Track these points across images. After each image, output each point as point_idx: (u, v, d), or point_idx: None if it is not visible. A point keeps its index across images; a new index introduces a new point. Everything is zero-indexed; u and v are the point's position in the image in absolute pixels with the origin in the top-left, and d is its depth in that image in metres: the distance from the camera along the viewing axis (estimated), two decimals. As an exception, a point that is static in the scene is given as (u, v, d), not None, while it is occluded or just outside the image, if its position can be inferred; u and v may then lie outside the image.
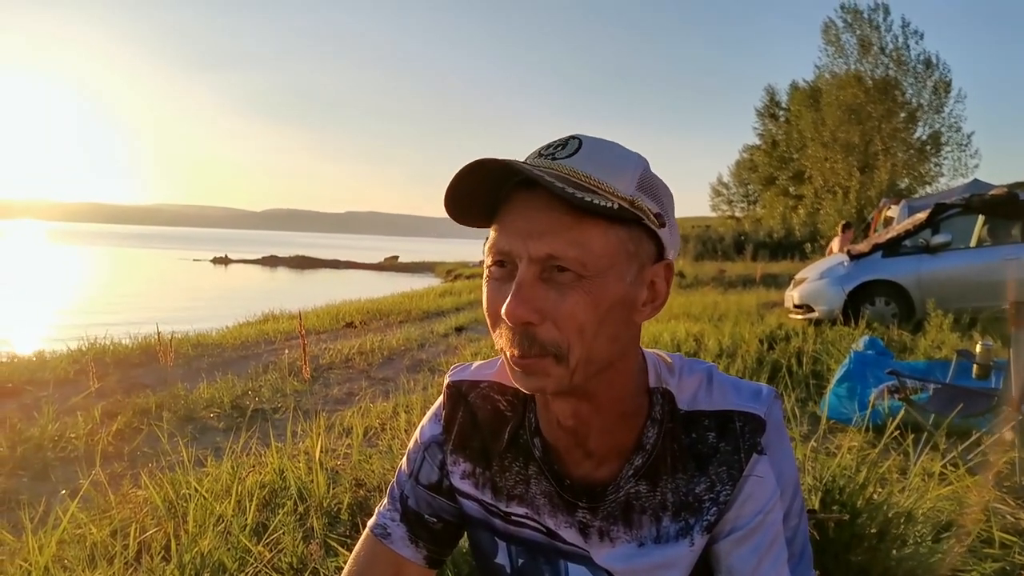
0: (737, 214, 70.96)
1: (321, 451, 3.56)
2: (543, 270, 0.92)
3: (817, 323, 10.02)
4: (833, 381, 5.83)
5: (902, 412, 4.51)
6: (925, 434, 4.40)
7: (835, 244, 14.68)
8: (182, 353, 8.09)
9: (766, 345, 7.96)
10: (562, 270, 0.91)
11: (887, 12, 45.14)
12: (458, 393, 1.20)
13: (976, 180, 18.60)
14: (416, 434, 1.23)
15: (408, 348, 9.40)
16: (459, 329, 11.66)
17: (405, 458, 1.23)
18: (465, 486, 1.17)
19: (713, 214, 76.57)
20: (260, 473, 3.29)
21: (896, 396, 4.79)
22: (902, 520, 2.88)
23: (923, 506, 3.41)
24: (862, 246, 10.97)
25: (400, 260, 54.48)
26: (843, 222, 16.19)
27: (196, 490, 2.96)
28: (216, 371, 7.07)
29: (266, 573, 2.38)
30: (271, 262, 52.84)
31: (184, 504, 2.91)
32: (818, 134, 47.79)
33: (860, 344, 6.91)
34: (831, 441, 4.20)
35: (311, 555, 2.42)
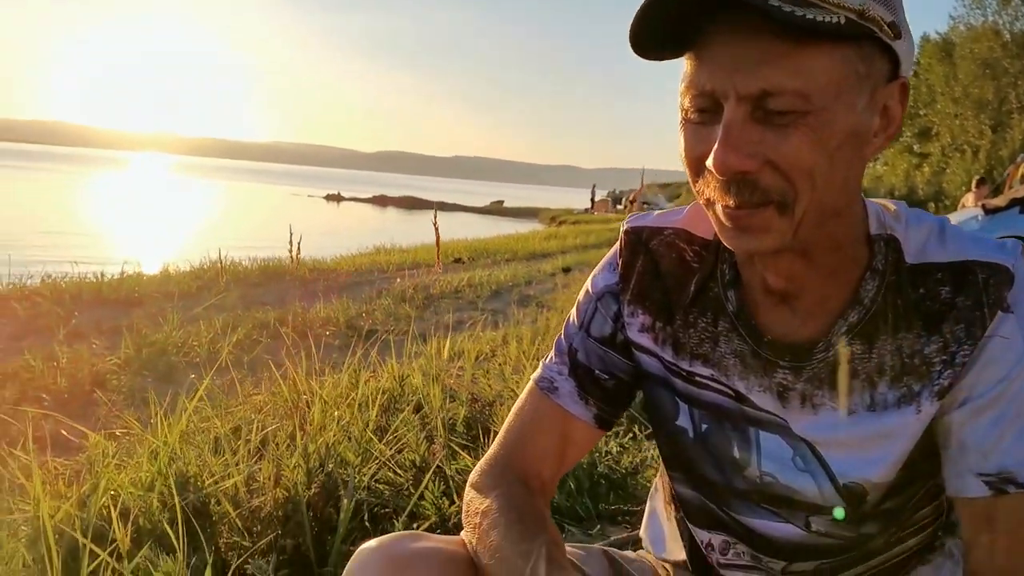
0: (856, 171, 68.55)
1: (436, 369, 3.53)
2: (755, 108, 0.76)
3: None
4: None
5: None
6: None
7: (969, 199, 13.88)
8: (298, 275, 8.26)
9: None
10: (779, 107, 0.76)
11: (1035, -41, 42.22)
12: (638, 240, 1.05)
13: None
14: (587, 284, 1.10)
15: (516, 284, 9.37)
16: (566, 269, 11.56)
17: (575, 309, 1.10)
18: (643, 340, 1.04)
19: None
20: (379, 380, 3.27)
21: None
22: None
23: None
24: (998, 200, 10.30)
25: (505, 205, 54.69)
26: (978, 176, 15.32)
27: (316, 393, 2.95)
28: (331, 294, 7.17)
29: (388, 469, 2.34)
30: (381, 201, 53.82)
31: (305, 406, 2.92)
32: (949, 89, 45.36)
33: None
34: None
35: (434, 454, 2.37)
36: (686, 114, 0.82)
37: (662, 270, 1.02)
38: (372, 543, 0.94)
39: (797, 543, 0.98)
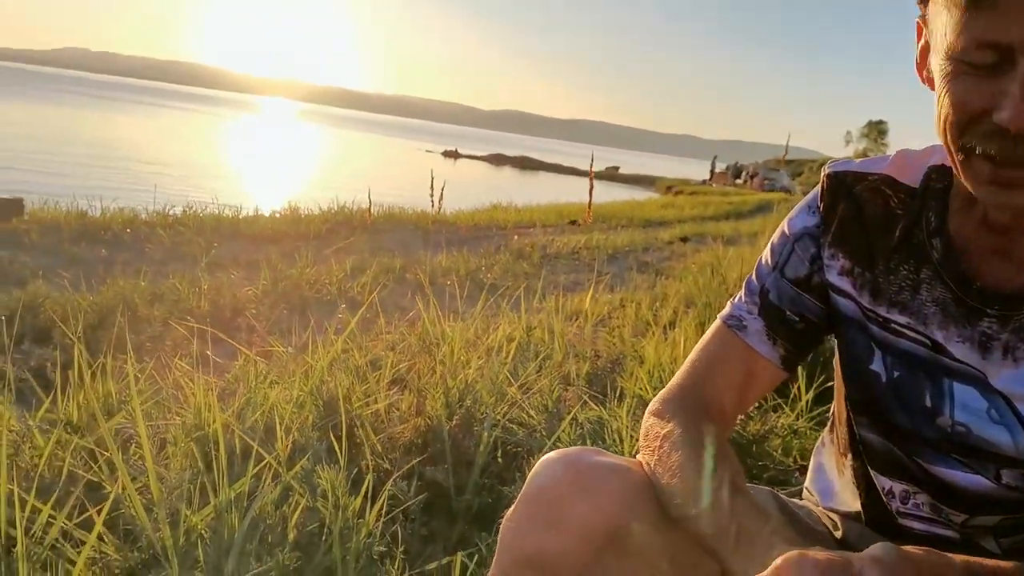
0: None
1: (559, 325, 3.59)
2: None
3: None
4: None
5: None
6: None
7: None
8: (421, 226, 8.45)
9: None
10: None
11: None
12: (841, 184, 1.05)
13: None
14: (783, 226, 1.10)
15: (632, 250, 9.34)
16: (684, 239, 11.43)
17: (768, 250, 1.10)
18: (842, 283, 1.04)
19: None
20: (506, 329, 3.36)
21: None
22: None
23: None
24: None
25: (621, 171, 54.16)
26: None
27: (448, 336, 3.05)
28: (452, 246, 7.32)
29: (522, 411, 2.42)
30: (497, 160, 54.11)
31: (436, 347, 3.02)
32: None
33: None
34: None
35: (566, 402, 2.44)
36: (957, 65, 0.80)
37: (865, 215, 1.02)
38: (555, 454, 0.98)
39: (983, 495, 0.97)
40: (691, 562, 0.91)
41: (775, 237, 1.10)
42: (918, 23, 0.90)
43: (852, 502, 1.13)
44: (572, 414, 2.27)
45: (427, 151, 57.62)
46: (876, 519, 1.10)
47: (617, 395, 2.81)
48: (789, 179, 59.21)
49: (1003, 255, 0.92)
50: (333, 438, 1.84)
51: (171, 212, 7.18)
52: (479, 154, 58.06)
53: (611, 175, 52.24)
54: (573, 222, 12.91)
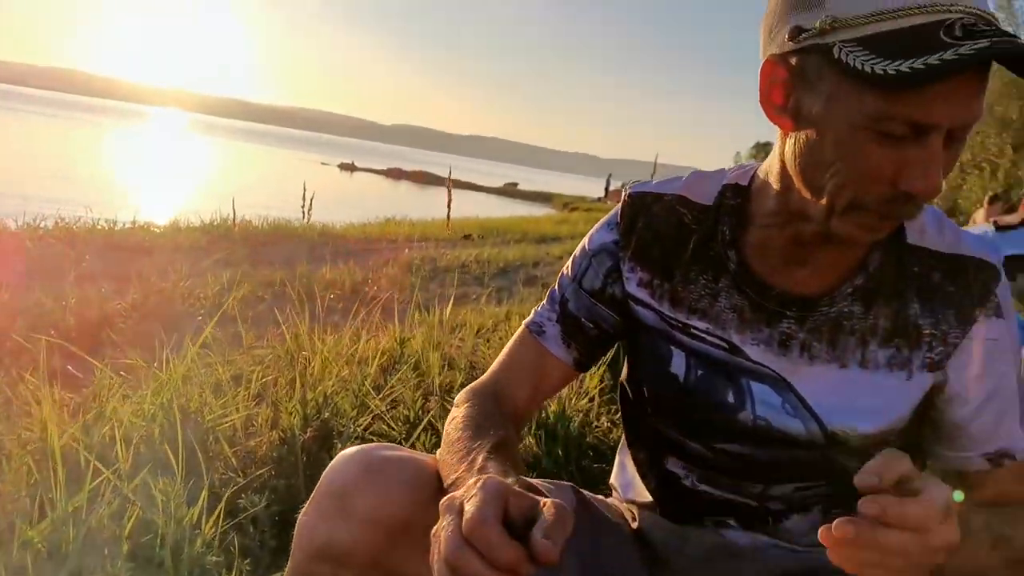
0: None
1: (437, 337, 3.60)
2: (950, 136, 0.84)
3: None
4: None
5: None
6: None
7: (980, 215, 13.87)
8: (307, 238, 8.33)
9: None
10: (963, 135, 0.85)
11: (1068, -22, 41.81)
12: (640, 203, 1.14)
13: None
14: (584, 241, 1.20)
15: (523, 264, 9.42)
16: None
17: (569, 263, 1.20)
18: (641, 294, 1.13)
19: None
20: (380, 342, 3.35)
21: None
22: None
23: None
24: (1012, 218, 10.33)
25: (519, 187, 54.64)
26: (991, 194, 15.31)
27: (318, 349, 3.03)
28: (339, 259, 7.24)
29: (383, 423, 2.42)
30: (395, 174, 53.84)
31: (306, 360, 2.99)
32: (973, 105, 45.16)
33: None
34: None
35: (428, 410, 2.45)
36: (878, 130, 0.84)
37: (661, 231, 1.12)
38: (350, 449, 1.03)
39: (776, 464, 1.07)
40: None
41: (576, 251, 1.20)
42: (769, 62, 0.93)
43: (648, 493, 1.21)
44: (426, 421, 2.29)
45: (323, 164, 56.93)
46: (671, 506, 1.18)
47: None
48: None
49: (801, 263, 1.03)
50: (169, 451, 1.80)
51: (41, 224, 6.89)
52: (377, 167, 57.67)
53: (510, 191, 52.59)
54: (467, 236, 12.96)
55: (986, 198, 14.46)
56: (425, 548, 0.79)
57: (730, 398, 1.07)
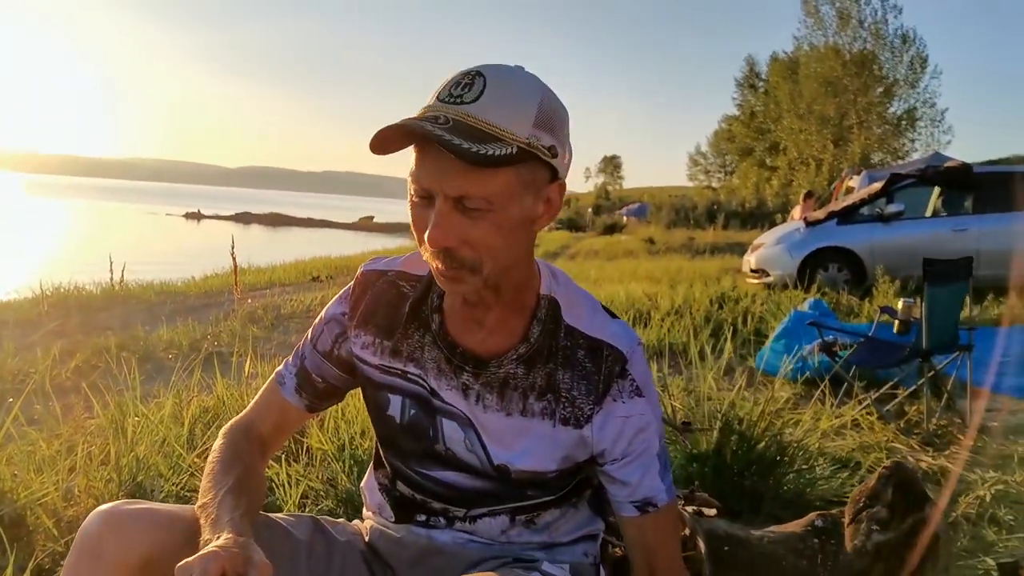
0: (714, 184, 71.32)
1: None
2: (456, 204, 1.11)
3: (772, 287, 10.30)
4: (771, 338, 6.08)
5: (833, 369, 4.77)
6: (844, 385, 4.67)
7: (796, 211, 14.95)
8: (144, 299, 8.23)
9: (716, 305, 8.22)
10: (472, 205, 1.11)
11: (867, -15, 45.17)
12: (366, 280, 1.43)
13: (937, 153, 18.95)
14: (323, 311, 1.47)
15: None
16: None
17: (311, 328, 1.47)
18: (366, 354, 1.39)
19: (690, 184, 76.99)
20: (205, 399, 3.47)
21: (823, 352, 5.02)
22: (797, 450, 3.12)
23: (827, 444, 3.67)
24: (818, 213, 11.25)
25: (375, 220, 54.42)
26: (805, 191, 16.49)
27: (142, 413, 3.14)
28: (178, 317, 7.22)
29: (196, 479, 2.57)
30: (244, 219, 52.59)
31: (130, 425, 3.10)
32: (794, 106, 47.99)
33: (805, 306, 7.13)
34: (762, 392, 4.40)
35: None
36: (412, 195, 1.16)
37: (383, 301, 1.40)
38: (101, 507, 1.24)
39: (471, 492, 1.37)
40: None
41: (316, 319, 1.47)
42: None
43: (386, 511, 1.49)
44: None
45: (167, 214, 55.08)
46: (398, 511, 1.47)
47: (304, 450, 3.04)
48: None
49: (479, 324, 1.31)
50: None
51: None
52: (224, 213, 56.14)
53: (366, 225, 52.31)
54: (315, 278, 12.98)
55: (802, 195, 15.60)
56: None
57: (430, 432, 1.36)
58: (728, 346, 4.77)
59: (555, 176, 1.20)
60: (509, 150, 1.09)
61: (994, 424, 4.38)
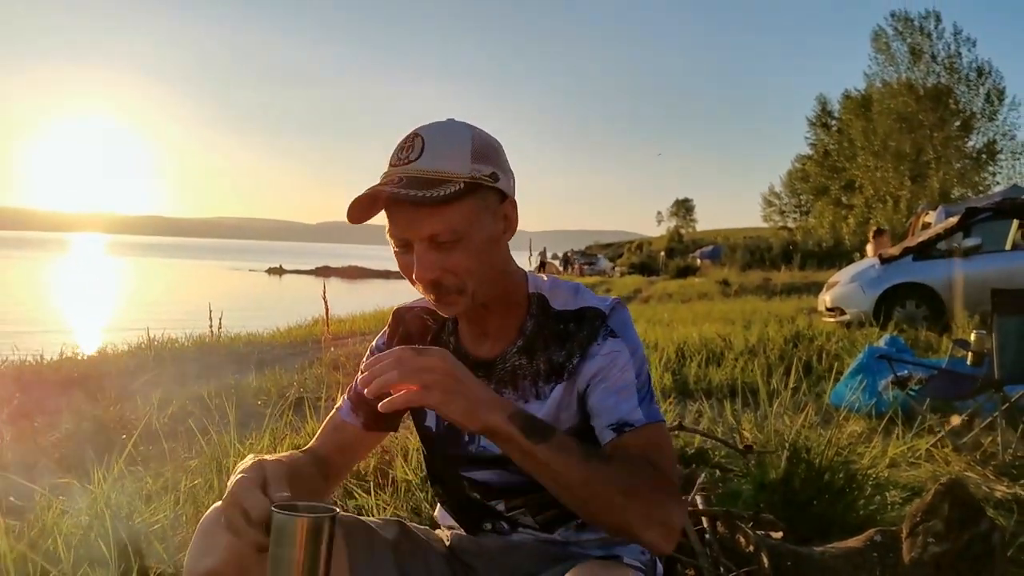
0: (789, 224, 70.27)
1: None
2: (430, 242, 1.34)
3: (848, 325, 10.20)
4: (846, 374, 6.08)
5: (906, 401, 4.77)
6: (919, 419, 4.67)
7: (869, 249, 14.76)
8: (233, 349, 8.60)
9: (791, 344, 8.21)
10: (443, 240, 1.33)
11: (938, 20, 44.68)
12: (399, 317, 1.69)
13: (1015, 185, 18.52)
14: (372, 344, 1.73)
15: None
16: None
17: (363, 361, 1.64)
18: None
19: (765, 224, 76.01)
20: (296, 438, 3.69)
21: (897, 386, 5.01)
22: (866, 479, 3.17)
23: (898, 475, 3.70)
24: (893, 250, 11.13)
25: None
26: (875, 228, 16.25)
27: (239, 452, 3.37)
28: (265, 366, 7.54)
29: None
30: (324, 272, 53.87)
31: (230, 463, 3.32)
32: (868, 143, 47.26)
33: (881, 342, 7.10)
34: (839, 427, 4.43)
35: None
36: (394, 248, 1.40)
37: (413, 331, 1.65)
38: (215, 505, 1.39)
39: (508, 486, 1.53)
40: None
41: (367, 353, 1.65)
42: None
43: (449, 518, 1.69)
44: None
45: (251, 270, 56.80)
46: (465, 523, 1.65)
47: (390, 482, 3.22)
48: (607, 261, 62.45)
49: (484, 334, 1.54)
50: (104, 547, 2.15)
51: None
52: (305, 268, 57.72)
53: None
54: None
55: (871, 233, 15.38)
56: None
57: (464, 436, 1.55)
58: (803, 383, 4.81)
59: (504, 196, 1.41)
60: (458, 187, 1.31)
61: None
